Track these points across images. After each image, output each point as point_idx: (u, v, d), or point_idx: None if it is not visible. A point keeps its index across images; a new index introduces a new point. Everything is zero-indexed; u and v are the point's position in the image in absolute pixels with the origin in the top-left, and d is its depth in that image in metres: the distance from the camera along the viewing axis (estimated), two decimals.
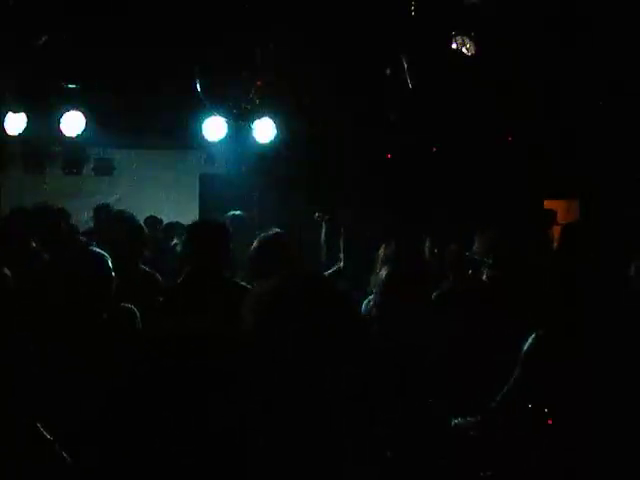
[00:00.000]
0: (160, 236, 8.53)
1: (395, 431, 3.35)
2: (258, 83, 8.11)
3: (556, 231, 7.82)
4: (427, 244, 6.14)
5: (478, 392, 3.45)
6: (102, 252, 4.37)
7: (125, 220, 5.54)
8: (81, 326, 4.10)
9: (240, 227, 6.33)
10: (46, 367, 3.77)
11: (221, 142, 8.94)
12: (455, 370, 4.00)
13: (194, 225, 5.10)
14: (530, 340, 3.24)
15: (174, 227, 8.63)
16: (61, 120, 8.46)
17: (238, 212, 6.90)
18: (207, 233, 4.75)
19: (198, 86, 7.85)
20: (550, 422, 3.05)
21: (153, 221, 8.74)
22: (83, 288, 4.18)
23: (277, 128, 8.76)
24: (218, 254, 4.67)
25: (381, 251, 5.43)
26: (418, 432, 3.49)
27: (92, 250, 4.55)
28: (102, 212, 7.55)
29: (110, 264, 4.26)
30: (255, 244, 5.08)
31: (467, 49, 7.26)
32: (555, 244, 5.11)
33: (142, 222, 8.01)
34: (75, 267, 4.30)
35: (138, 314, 4.39)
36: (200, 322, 4.31)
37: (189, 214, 9.57)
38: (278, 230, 5.22)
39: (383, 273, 4.28)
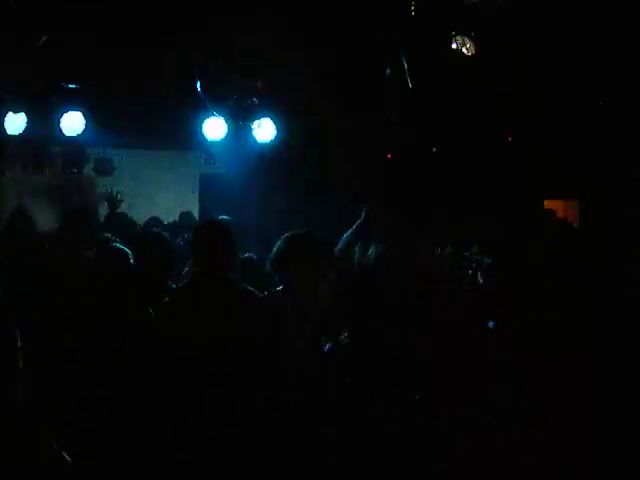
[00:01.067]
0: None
1: (392, 427, 3.35)
2: (258, 83, 8.11)
3: None
4: (426, 243, 6.13)
5: (477, 392, 3.45)
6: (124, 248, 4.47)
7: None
8: (119, 322, 4.16)
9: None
10: (75, 362, 3.80)
11: (221, 142, 8.93)
12: (454, 370, 4.01)
13: (198, 227, 5.08)
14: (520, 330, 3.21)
15: (179, 227, 8.60)
16: (61, 120, 8.46)
17: (225, 217, 6.76)
18: (211, 235, 4.74)
19: (198, 86, 7.85)
20: (548, 421, 3.06)
21: (155, 222, 8.71)
22: (110, 284, 4.25)
23: (277, 128, 8.76)
24: (222, 256, 4.66)
25: (371, 250, 5.42)
26: (412, 431, 3.50)
27: (114, 246, 4.63)
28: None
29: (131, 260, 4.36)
30: (280, 242, 4.95)
31: (467, 49, 7.25)
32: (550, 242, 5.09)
33: (144, 223, 8.04)
34: (101, 263, 4.39)
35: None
36: (203, 324, 4.35)
37: None
38: (301, 232, 5.00)
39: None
